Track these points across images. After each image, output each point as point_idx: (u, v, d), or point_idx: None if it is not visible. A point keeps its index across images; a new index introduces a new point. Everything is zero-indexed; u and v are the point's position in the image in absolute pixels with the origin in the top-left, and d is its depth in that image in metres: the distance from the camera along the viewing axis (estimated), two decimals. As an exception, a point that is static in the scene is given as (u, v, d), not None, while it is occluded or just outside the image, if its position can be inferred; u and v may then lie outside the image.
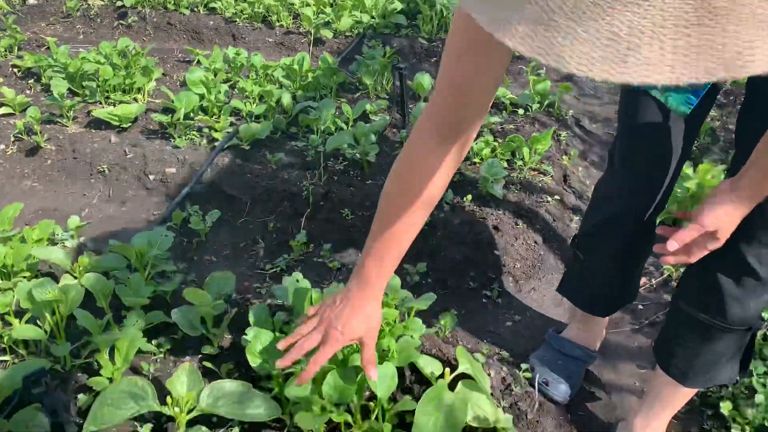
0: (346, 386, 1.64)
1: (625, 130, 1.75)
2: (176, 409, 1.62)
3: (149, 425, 1.76)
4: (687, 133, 1.67)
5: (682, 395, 1.79)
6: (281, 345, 1.60)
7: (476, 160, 2.99)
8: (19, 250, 2.12)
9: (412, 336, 1.89)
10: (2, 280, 2.03)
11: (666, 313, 1.99)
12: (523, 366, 2.00)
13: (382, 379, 1.66)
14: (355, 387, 1.64)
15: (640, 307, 2.45)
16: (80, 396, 1.79)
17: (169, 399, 1.62)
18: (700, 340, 1.65)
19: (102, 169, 3.06)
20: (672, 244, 1.38)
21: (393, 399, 1.80)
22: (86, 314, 1.80)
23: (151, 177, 3.01)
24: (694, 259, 1.44)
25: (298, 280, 2.02)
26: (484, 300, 2.47)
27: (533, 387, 1.98)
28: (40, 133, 3.18)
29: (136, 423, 1.78)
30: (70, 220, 2.56)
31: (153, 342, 2.01)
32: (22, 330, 1.84)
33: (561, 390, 2.02)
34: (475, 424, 1.73)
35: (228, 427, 1.77)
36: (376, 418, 1.71)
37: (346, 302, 1.57)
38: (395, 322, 1.88)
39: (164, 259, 2.20)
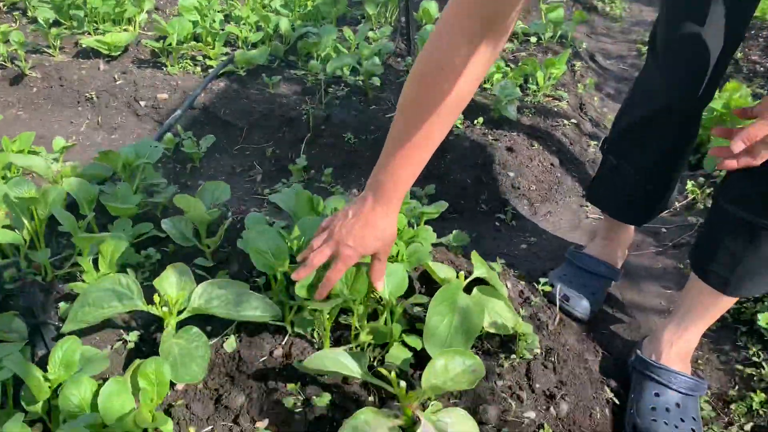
0: (354, 282, 1.49)
1: (668, 13, 1.58)
2: (164, 309, 1.46)
3: (136, 332, 1.61)
4: (732, 17, 1.50)
5: (720, 306, 1.63)
6: (299, 257, 1.52)
7: (487, 85, 2.82)
8: (-3, 159, 1.96)
9: (422, 243, 1.73)
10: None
11: (701, 224, 1.82)
12: (542, 280, 1.85)
13: (390, 278, 1.51)
14: (364, 283, 1.49)
15: (664, 230, 2.30)
16: (61, 304, 1.64)
17: (156, 297, 1.47)
18: (745, 244, 1.49)
19: (90, 96, 2.89)
20: (737, 144, 1.23)
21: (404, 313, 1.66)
22: (67, 214, 1.64)
23: (142, 103, 2.84)
24: (759, 161, 1.29)
25: (297, 192, 1.86)
26: (496, 223, 2.31)
27: (553, 303, 1.82)
28: (25, 60, 3.00)
29: (122, 331, 1.64)
30: (56, 140, 2.39)
31: (141, 253, 1.85)
32: (2, 234, 1.68)
33: (582, 306, 1.86)
34: (492, 330, 1.58)
35: (223, 336, 1.62)
36: (385, 322, 1.56)
37: (359, 217, 1.45)
38: (404, 228, 1.72)
39: (153, 172, 2.03)
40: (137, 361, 1.30)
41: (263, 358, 1.56)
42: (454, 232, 2.05)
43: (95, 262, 1.69)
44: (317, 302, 1.47)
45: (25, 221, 1.74)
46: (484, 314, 1.55)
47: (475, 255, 1.70)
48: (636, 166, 1.78)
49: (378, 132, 2.57)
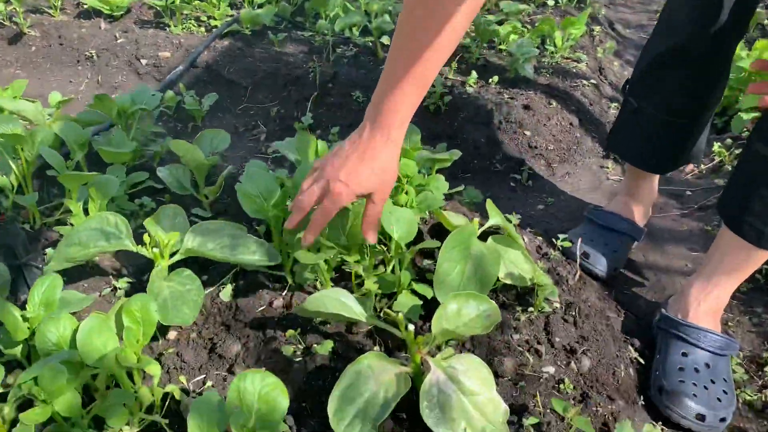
0: (356, 226, 1.37)
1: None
2: (155, 251, 1.36)
3: (126, 279, 1.51)
4: None
5: (753, 260, 1.50)
6: (291, 205, 1.37)
7: (502, 46, 2.70)
8: (-15, 104, 1.85)
9: (433, 192, 1.62)
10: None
11: (734, 167, 1.67)
12: (561, 236, 1.73)
13: (399, 223, 1.39)
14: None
15: (688, 192, 2.17)
16: (48, 251, 1.54)
17: (147, 237, 1.36)
18: (783, 191, 1.37)
19: (90, 55, 2.78)
20: None
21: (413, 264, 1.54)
22: (54, 153, 1.54)
23: (143, 62, 2.73)
24: None
25: (301, 136, 1.74)
26: (511, 183, 2.19)
27: (573, 260, 1.70)
28: (24, 19, 2.90)
29: (111, 278, 1.54)
30: (52, 95, 2.28)
31: (135, 202, 1.75)
32: (-19, 175, 1.58)
33: (603, 263, 1.74)
34: (508, 282, 1.47)
35: (219, 285, 1.52)
36: (393, 271, 1.44)
37: (355, 148, 1.30)
38: (414, 174, 1.61)
39: (151, 123, 1.92)
40: (122, 299, 1.19)
41: (261, 308, 1.46)
42: (466, 188, 1.94)
43: (86, 210, 1.59)
44: (308, 255, 1.35)
45: (12, 165, 1.64)
46: (500, 263, 1.43)
47: (490, 203, 1.58)
48: (657, 106, 1.66)
49: (388, 90, 2.45)
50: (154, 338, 1.40)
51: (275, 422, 1.00)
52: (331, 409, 1.12)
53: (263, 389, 1.02)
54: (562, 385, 1.30)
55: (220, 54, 2.70)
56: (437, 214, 1.55)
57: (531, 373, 1.32)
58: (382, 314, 1.41)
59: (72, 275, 1.58)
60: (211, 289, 1.51)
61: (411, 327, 1.16)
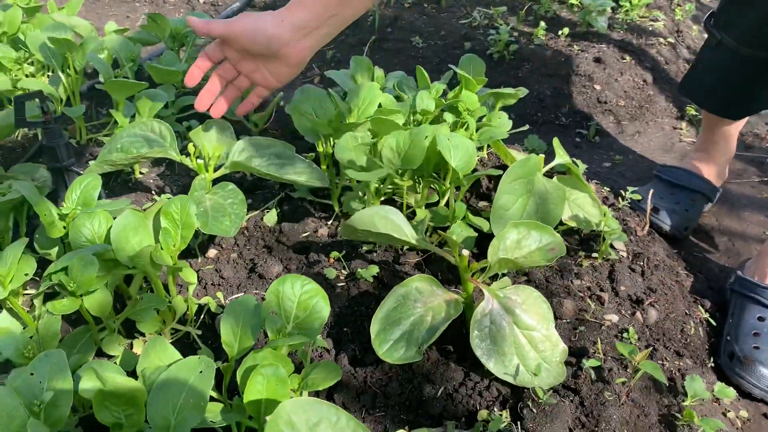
0: (410, 149, 1.27)
1: None
2: (200, 162, 1.29)
3: (169, 196, 1.45)
4: None
5: None
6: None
7: (573, 1, 2.55)
8: (41, 19, 1.82)
9: (494, 127, 1.51)
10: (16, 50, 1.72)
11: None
12: (630, 188, 1.59)
13: (457, 150, 1.29)
14: (420, 151, 1.27)
15: (769, 160, 2.00)
16: (91, 162, 1.49)
17: (191, 147, 1.29)
18: None
19: (148, -9, 2.75)
20: None
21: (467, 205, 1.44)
22: (101, 60, 1.49)
23: (202, 0, 2.68)
24: None
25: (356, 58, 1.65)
26: (577, 139, 2.06)
27: (642, 213, 1.57)
28: (87, -46, 2.88)
29: (154, 194, 1.48)
30: (108, 24, 2.25)
31: (183, 123, 1.69)
32: (28, 82, 1.53)
33: (673, 220, 1.60)
34: (572, 224, 1.36)
35: (264, 209, 1.45)
36: (447, 204, 1.35)
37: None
38: (475, 107, 1.50)
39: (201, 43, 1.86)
40: (161, 200, 1.12)
41: (306, 234, 1.38)
42: (529, 136, 1.82)
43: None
44: (359, 172, 1.27)
45: (62, 76, 1.59)
46: (565, 203, 1.32)
47: (556, 142, 1.47)
48: (739, 37, 1.52)
49: (449, 38, 2.34)
50: (193, 255, 1.34)
51: (314, 331, 0.92)
52: (373, 330, 1.04)
53: (303, 295, 0.94)
54: (625, 335, 1.19)
55: (279, -5, 2.63)
56: (498, 149, 1.44)
57: (592, 320, 1.21)
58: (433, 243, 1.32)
59: (114, 190, 1.53)
60: (255, 213, 1.44)
61: (465, 252, 1.06)
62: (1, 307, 1.11)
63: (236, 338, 0.92)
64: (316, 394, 1.01)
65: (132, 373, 0.96)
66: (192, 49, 1.82)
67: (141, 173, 1.58)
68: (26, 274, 1.05)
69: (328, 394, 1.04)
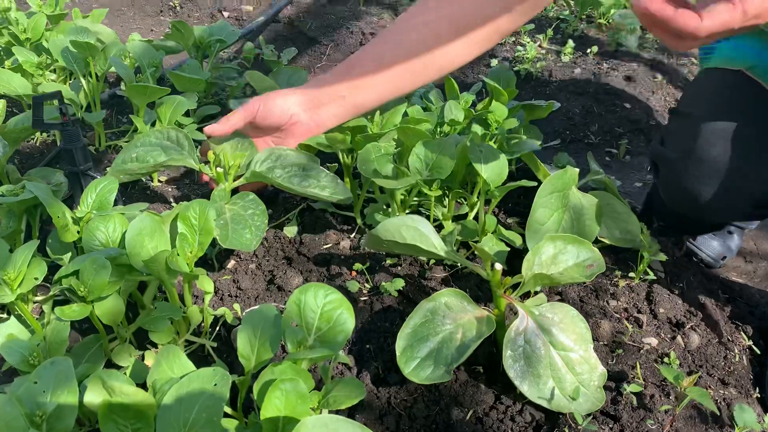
0: (441, 157, 1.22)
1: None
2: (219, 170, 1.24)
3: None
4: None
5: None
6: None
7: (601, 20, 2.50)
8: (65, 27, 1.80)
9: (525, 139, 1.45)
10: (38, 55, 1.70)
11: None
12: (665, 208, 1.52)
13: (489, 160, 1.23)
14: (449, 161, 1.22)
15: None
16: (108, 169, 1.45)
17: (211, 155, 1.25)
18: None
19: (173, 5, 2.75)
20: None
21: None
22: (123, 64, 1.45)
23: (226, 14, 2.67)
24: None
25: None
26: (607, 158, 1.99)
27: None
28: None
29: (174, 205, 1.44)
30: (132, 35, 2.24)
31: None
32: (49, 86, 1.51)
33: (711, 247, 1.53)
34: (607, 242, 1.29)
35: (284, 220, 1.39)
36: (475, 218, 1.29)
37: (301, 95, 1.31)
38: (502, 118, 1.44)
39: (225, 45, 1.82)
40: (180, 205, 1.07)
41: (327, 246, 1.32)
42: (558, 153, 1.76)
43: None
44: (387, 180, 1.21)
45: (83, 81, 1.57)
46: (601, 219, 1.26)
47: (590, 156, 1.41)
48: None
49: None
50: (210, 266, 1.29)
51: (337, 345, 0.85)
52: (399, 346, 0.97)
53: (327, 305, 0.88)
54: (666, 359, 1.11)
55: (304, 10, 2.61)
56: (530, 162, 1.38)
57: (630, 342, 1.14)
58: (460, 266, 1.25)
59: (132, 197, 1.49)
60: (276, 223, 1.39)
61: (498, 266, 1.00)
62: (10, 314, 1.07)
63: (253, 350, 0.86)
64: (337, 413, 0.95)
65: (143, 386, 0.91)
66: (215, 59, 1.79)
67: (159, 181, 1.54)
68: (36, 278, 1.00)
69: (349, 415, 0.98)
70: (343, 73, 1.28)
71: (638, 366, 1.08)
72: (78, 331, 1.15)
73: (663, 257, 1.26)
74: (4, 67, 1.63)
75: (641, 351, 1.13)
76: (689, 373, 1.11)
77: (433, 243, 1.05)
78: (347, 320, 0.87)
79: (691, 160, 1.20)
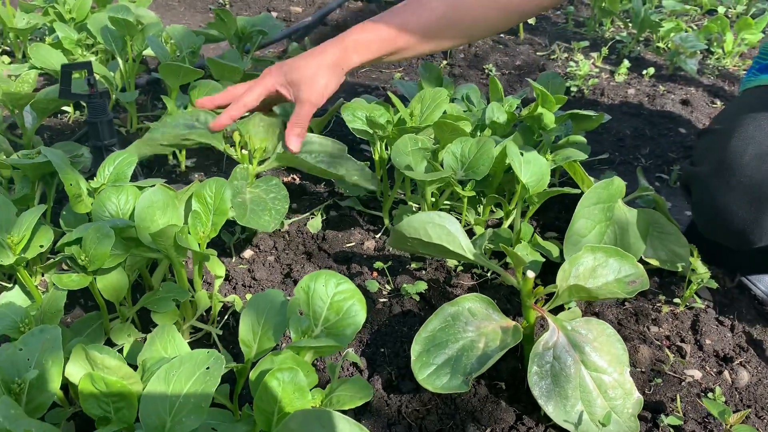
0: (478, 158, 1.14)
1: None
2: (244, 152, 1.19)
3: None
4: None
5: None
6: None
7: (660, 44, 2.40)
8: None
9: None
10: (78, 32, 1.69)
11: None
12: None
13: (529, 165, 1.15)
14: (487, 160, 1.14)
15: None
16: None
17: (237, 137, 1.20)
18: None
19: (223, 3, 2.75)
20: None
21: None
22: (159, 42, 1.42)
23: (274, 14, 2.65)
24: None
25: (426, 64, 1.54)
26: (657, 183, 1.88)
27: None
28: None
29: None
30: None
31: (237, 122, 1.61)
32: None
33: (766, 283, 1.41)
34: (654, 263, 1.19)
35: (309, 214, 1.33)
36: (510, 226, 1.20)
37: (306, 53, 1.13)
38: (549, 122, 1.36)
39: (267, 37, 1.78)
40: (195, 183, 1.02)
41: (350, 244, 1.25)
42: (606, 172, 1.67)
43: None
44: (417, 172, 1.14)
45: (119, 60, 1.54)
46: (647, 238, 1.16)
47: (640, 171, 1.32)
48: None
49: (525, 68, 2.22)
50: (228, 255, 1.23)
51: (345, 338, 0.78)
52: (414, 350, 0.89)
53: (337, 295, 0.80)
54: (711, 395, 1.00)
55: (352, 15, 2.58)
56: (574, 172, 1.29)
57: (670, 373, 1.03)
58: (490, 276, 1.17)
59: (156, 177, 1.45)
60: (299, 217, 1.33)
61: (531, 273, 0.91)
62: (15, 283, 1.02)
63: (255, 338, 0.79)
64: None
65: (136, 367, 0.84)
66: (256, 52, 1.75)
67: (187, 166, 1.50)
68: (41, 246, 0.95)
69: (355, 419, 0.90)
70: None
71: (678, 398, 0.98)
72: (83, 308, 1.10)
73: (713, 284, 1.16)
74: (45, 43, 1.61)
75: (683, 383, 1.02)
76: (736, 412, 1.00)
77: (461, 244, 0.97)
78: (358, 313, 0.80)
79: (722, 171, 1.10)
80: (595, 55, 2.27)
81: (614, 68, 2.22)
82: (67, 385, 0.88)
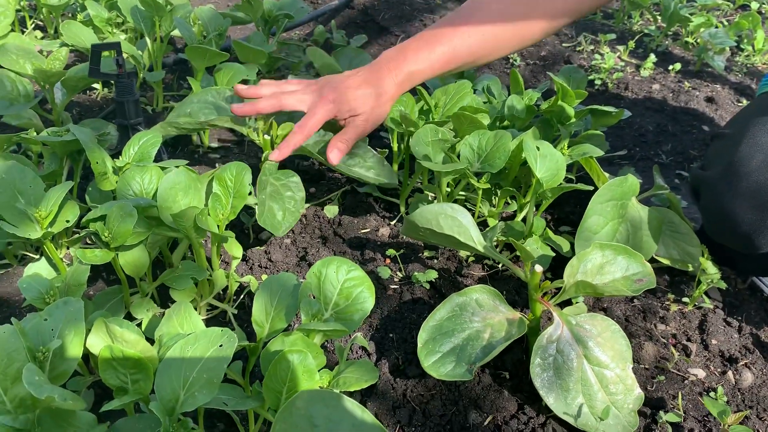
0: (495, 150, 1.16)
1: None
2: (266, 137, 1.22)
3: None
4: None
5: None
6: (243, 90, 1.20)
7: (688, 39, 2.37)
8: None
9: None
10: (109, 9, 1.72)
11: None
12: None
13: (545, 160, 1.16)
14: (503, 154, 1.15)
15: None
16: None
17: (260, 123, 1.22)
18: None
19: (253, -17, 2.76)
20: None
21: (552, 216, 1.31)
22: (187, 25, 1.45)
23: (302, -3, 2.67)
24: None
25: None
26: (676, 180, 1.87)
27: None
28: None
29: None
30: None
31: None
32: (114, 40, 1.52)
33: (780, 284, 1.41)
34: (665, 261, 1.20)
35: (326, 200, 1.36)
36: (523, 220, 1.22)
37: (361, 71, 1.22)
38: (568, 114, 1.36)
39: (293, 20, 1.80)
40: (219, 167, 1.05)
41: (365, 230, 1.28)
42: (624, 167, 1.67)
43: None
44: (434, 163, 1.16)
45: (148, 40, 1.57)
46: (660, 236, 1.17)
47: (656, 169, 1.32)
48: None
49: (549, 59, 2.22)
50: (246, 236, 1.26)
51: (353, 323, 0.81)
52: (421, 338, 0.92)
53: (347, 282, 0.83)
54: (713, 394, 1.02)
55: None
56: (590, 168, 1.30)
57: (673, 371, 1.05)
58: (501, 268, 1.19)
59: (179, 158, 1.48)
60: (317, 202, 1.36)
61: (539, 267, 0.93)
62: (42, 255, 1.07)
63: (268, 318, 0.83)
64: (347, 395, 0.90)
65: (153, 341, 0.88)
66: (282, 35, 1.78)
67: (210, 147, 1.54)
68: (68, 221, 0.99)
69: (360, 401, 0.93)
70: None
71: (680, 396, 0.99)
72: (106, 282, 1.14)
73: (723, 285, 1.16)
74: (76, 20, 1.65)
75: (685, 381, 1.03)
76: (737, 413, 1.02)
77: (472, 236, 0.99)
78: (367, 299, 0.83)
79: (729, 176, 1.11)
80: (621, 48, 2.26)
81: (640, 62, 2.21)
82: (87, 355, 0.92)
